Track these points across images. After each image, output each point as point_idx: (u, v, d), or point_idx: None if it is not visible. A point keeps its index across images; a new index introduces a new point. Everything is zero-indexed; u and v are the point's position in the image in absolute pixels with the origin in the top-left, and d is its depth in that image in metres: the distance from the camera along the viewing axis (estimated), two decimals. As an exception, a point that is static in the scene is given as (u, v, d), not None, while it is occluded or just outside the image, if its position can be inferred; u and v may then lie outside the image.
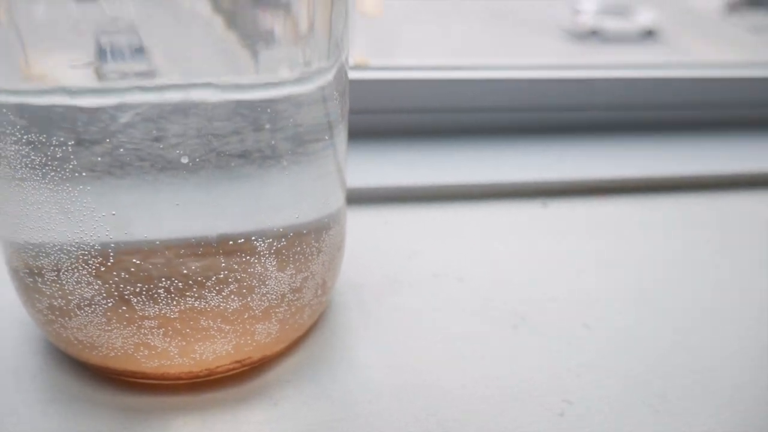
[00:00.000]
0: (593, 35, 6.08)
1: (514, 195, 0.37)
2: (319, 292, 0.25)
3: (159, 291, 0.20)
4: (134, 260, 0.20)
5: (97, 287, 0.20)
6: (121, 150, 0.18)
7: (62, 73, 0.18)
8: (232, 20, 0.18)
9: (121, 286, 0.20)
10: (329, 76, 0.22)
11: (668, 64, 0.44)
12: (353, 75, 0.39)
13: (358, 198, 0.36)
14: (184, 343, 0.22)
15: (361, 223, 0.34)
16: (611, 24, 6.11)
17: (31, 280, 0.21)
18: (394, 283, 0.30)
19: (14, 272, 0.22)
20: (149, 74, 0.18)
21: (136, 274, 0.20)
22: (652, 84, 0.42)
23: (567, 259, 0.33)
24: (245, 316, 0.22)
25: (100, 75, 0.17)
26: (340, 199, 0.25)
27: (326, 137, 0.22)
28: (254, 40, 0.19)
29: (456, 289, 0.30)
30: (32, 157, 0.19)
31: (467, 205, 0.36)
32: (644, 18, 6.19)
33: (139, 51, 0.17)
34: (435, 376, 0.25)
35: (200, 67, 0.18)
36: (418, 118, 0.40)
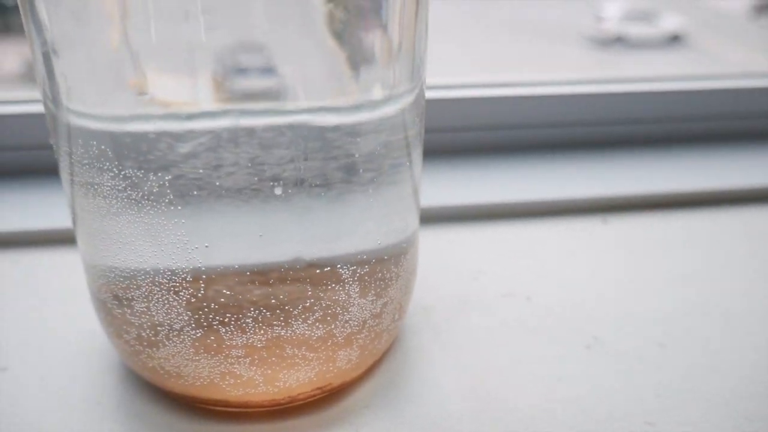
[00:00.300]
0: (617, 42, 6.05)
1: (573, 211, 0.37)
2: (396, 316, 0.25)
3: (247, 320, 0.21)
4: (224, 290, 0.20)
5: (186, 318, 0.21)
6: (217, 183, 0.19)
7: (170, 96, 0.18)
8: (342, 40, 0.18)
9: (211, 316, 0.21)
10: (411, 98, 0.22)
11: (722, 75, 0.43)
12: (435, 93, 0.39)
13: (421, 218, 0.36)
14: (269, 371, 0.22)
15: (425, 243, 0.34)
16: (635, 30, 6.08)
17: (120, 311, 0.22)
18: (463, 304, 0.30)
19: (101, 303, 0.23)
20: (256, 97, 0.18)
21: (226, 303, 0.20)
22: (705, 95, 0.42)
23: (634, 276, 0.32)
24: (328, 343, 0.22)
25: (206, 100, 0.18)
26: (415, 222, 0.25)
27: (406, 161, 0.23)
28: (358, 60, 0.19)
29: (525, 309, 0.30)
30: (128, 192, 0.19)
31: (527, 223, 0.36)
32: (669, 23, 6.14)
33: (251, 74, 0.18)
34: (513, 399, 0.25)
35: (313, 90, 0.19)
36: (476, 136, 0.40)
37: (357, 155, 0.20)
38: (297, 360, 0.22)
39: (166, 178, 0.18)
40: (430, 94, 0.39)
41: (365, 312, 0.23)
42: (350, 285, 0.22)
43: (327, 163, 0.20)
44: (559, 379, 0.26)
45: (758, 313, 0.30)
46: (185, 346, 0.21)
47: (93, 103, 0.18)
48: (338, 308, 0.22)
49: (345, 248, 0.21)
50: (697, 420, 0.24)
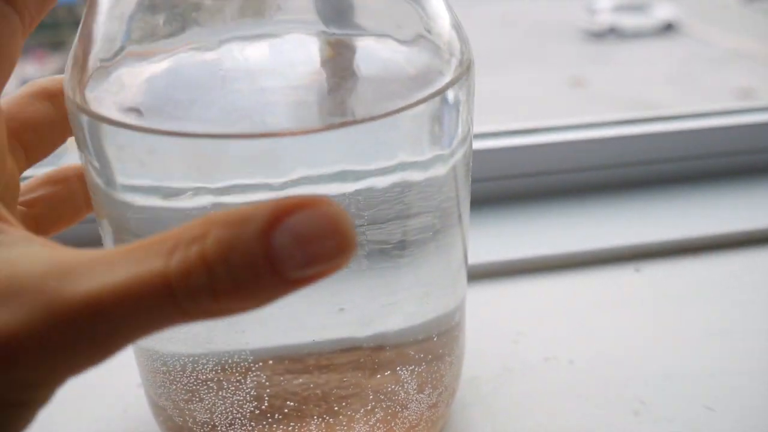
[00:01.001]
0: (611, 32, 6.06)
1: (601, 262, 0.37)
2: (450, 400, 0.25)
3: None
4: (289, 402, 0.20)
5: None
6: None
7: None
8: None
9: (275, 426, 0.21)
10: (464, 149, 0.22)
11: (745, 109, 0.43)
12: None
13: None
14: None
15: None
16: (628, 20, 6.08)
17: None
18: (506, 372, 0.30)
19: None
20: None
21: (291, 413, 0.21)
22: (730, 131, 0.42)
23: (675, 330, 0.32)
24: None
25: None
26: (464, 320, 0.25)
27: (457, 221, 0.22)
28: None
29: (569, 373, 0.30)
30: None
31: (558, 276, 0.36)
32: (662, 12, 6.15)
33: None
34: (569, 476, 0.25)
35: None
36: (497, 186, 0.40)
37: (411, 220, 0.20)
38: None
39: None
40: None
41: (423, 405, 0.23)
42: (408, 383, 0.22)
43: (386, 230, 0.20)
44: (611, 452, 0.26)
45: (801, 366, 0.30)
46: None
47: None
48: (398, 407, 0.22)
49: (405, 353, 0.21)
50: (754, 492, 0.24)
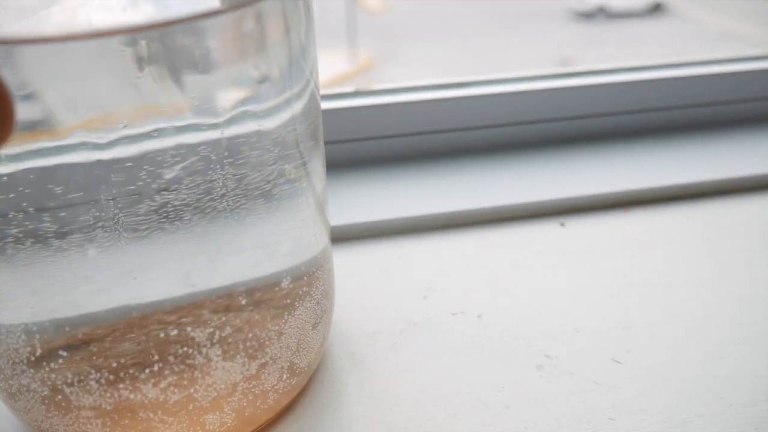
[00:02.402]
0: (600, 12, 6.03)
1: (530, 216, 0.36)
2: (286, 374, 0.23)
3: (90, 382, 0.19)
4: (61, 352, 0.19)
5: (31, 375, 0.19)
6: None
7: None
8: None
9: (53, 375, 0.19)
10: (304, 100, 0.20)
11: (663, 65, 0.42)
12: (350, 103, 0.37)
13: (367, 232, 0.34)
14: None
15: (372, 260, 0.33)
16: (617, 1, 6.05)
17: None
18: (411, 326, 0.29)
19: None
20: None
21: (66, 364, 0.19)
22: (653, 85, 0.40)
23: (591, 284, 0.31)
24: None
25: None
26: (318, 245, 0.23)
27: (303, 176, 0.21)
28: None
29: (476, 329, 0.29)
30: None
31: (482, 231, 0.35)
32: (651, -8, 6.11)
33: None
34: (457, 431, 0.24)
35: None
36: (417, 142, 0.38)
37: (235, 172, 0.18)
38: (154, 423, 0.20)
39: None
40: (368, 101, 0.37)
41: (276, 347, 0.21)
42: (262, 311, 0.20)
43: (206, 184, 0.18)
44: (507, 407, 0.25)
45: (721, 319, 0.29)
46: (36, 404, 0.20)
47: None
48: (197, 371, 0.20)
49: (224, 279, 0.20)
50: (650, 445, 0.23)
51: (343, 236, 0.34)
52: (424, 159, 0.39)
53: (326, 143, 0.37)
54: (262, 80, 0.18)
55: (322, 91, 0.38)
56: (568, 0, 6.29)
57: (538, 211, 0.36)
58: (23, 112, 0.15)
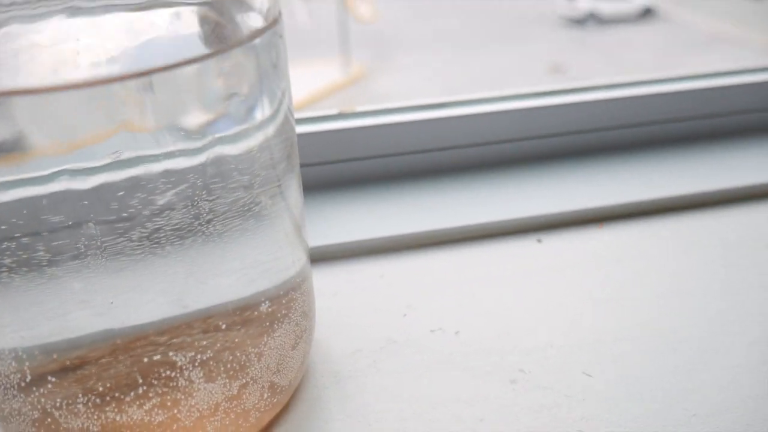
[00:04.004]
0: (591, 18, 6.07)
1: (508, 233, 0.37)
2: (267, 393, 0.24)
3: (78, 406, 0.20)
4: (50, 377, 0.20)
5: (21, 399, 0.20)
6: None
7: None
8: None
9: (42, 399, 0.20)
10: (277, 122, 0.21)
11: (636, 82, 0.43)
12: (332, 125, 0.38)
13: (349, 252, 0.35)
14: None
15: (354, 280, 0.34)
16: (607, 6, 6.09)
17: None
18: (391, 344, 0.30)
19: None
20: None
21: (55, 389, 0.20)
22: (626, 103, 0.42)
23: (566, 300, 0.32)
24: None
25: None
26: (297, 265, 0.24)
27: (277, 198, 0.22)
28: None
29: (453, 345, 0.30)
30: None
31: (461, 249, 0.36)
32: (641, -3, 6.15)
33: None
34: (435, 445, 0.25)
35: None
36: (395, 162, 0.39)
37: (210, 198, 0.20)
38: None
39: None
40: (344, 123, 0.38)
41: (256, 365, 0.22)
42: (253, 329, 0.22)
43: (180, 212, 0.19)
44: (481, 420, 0.26)
45: (691, 332, 0.30)
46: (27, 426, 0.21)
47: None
48: (179, 394, 0.21)
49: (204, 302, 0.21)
50: (617, 456, 0.24)
51: (325, 256, 0.35)
52: (402, 179, 0.40)
53: (309, 165, 0.38)
54: (232, 104, 0.20)
55: (306, 114, 0.40)
56: (559, 6, 6.33)
57: (516, 228, 0.37)
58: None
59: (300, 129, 0.38)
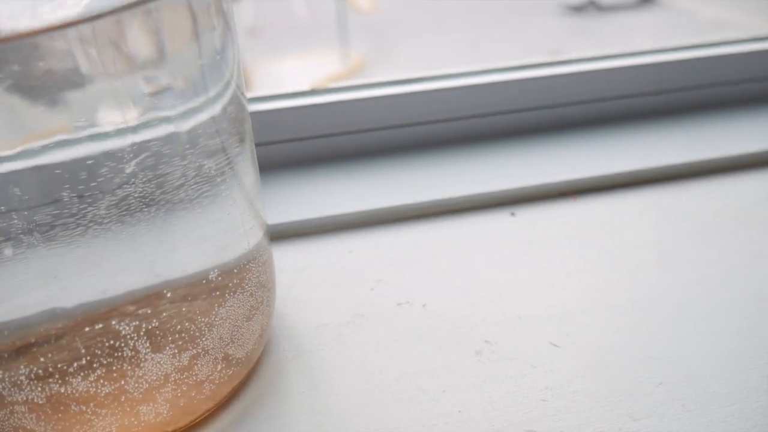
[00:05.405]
0: (590, 5, 6.03)
1: (482, 207, 0.36)
2: (221, 365, 0.24)
3: (21, 377, 0.20)
4: None
5: None
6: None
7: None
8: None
9: None
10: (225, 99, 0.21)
11: (609, 55, 0.42)
12: (309, 101, 0.38)
13: (318, 228, 0.35)
14: (59, 428, 0.21)
15: (323, 255, 0.33)
16: (607, -8, 6.06)
17: None
18: (358, 318, 0.29)
19: None
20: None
21: None
22: (599, 76, 0.41)
23: (536, 272, 0.32)
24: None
25: None
26: (249, 242, 0.24)
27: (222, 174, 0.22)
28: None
29: (420, 318, 0.29)
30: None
31: (434, 223, 0.36)
32: (640, -17, 6.12)
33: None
34: (396, 417, 0.25)
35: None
36: (365, 138, 0.39)
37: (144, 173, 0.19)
38: (87, 416, 0.21)
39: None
40: (312, 100, 0.38)
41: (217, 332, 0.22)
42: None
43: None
44: (443, 392, 0.26)
45: (656, 303, 0.29)
46: None
47: None
48: (125, 364, 0.21)
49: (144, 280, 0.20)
50: (579, 423, 0.24)
51: (295, 232, 0.35)
52: (374, 155, 0.40)
53: (278, 142, 0.38)
54: (165, 89, 0.19)
55: (278, 91, 0.39)
56: (558, -6, 6.30)
57: (490, 202, 0.37)
58: None
59: (272, 105, 0.38)
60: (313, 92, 0.39)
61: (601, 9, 6.01)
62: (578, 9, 6.07)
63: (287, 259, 0.33)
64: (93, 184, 0.18)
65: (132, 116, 0.18)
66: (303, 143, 0.38)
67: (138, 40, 0.18)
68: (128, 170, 0.19)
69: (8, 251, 0.18)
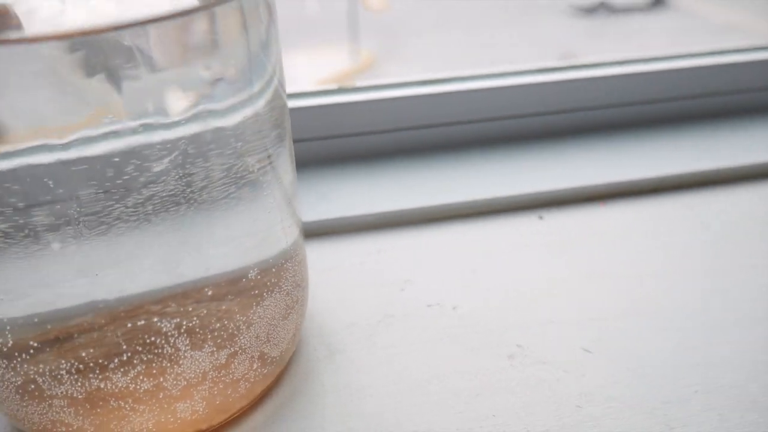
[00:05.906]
0: (601, 7, 6.02)
1: (510, 210, 0.36)
2: (257, 363, 0.23)
3: (62, 372, 0.20)
4: (31, 342, 0.19)
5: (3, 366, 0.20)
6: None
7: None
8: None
9: (25, 366, 0.20)
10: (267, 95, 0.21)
11: (637, 59, 0.42)
12: (331, 100, 0.38)
13: (348, 227, 0.35)
14: (96, 422, 0.21)
15: (353, 254, 0.33)
16: (619, -5, 6.04)
17: None
18: (386, 318, 0.29)
19: None
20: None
21: (36, 355, 0.20)
22: (627, 80, 0.41)
23: (566, 276, 0.31)
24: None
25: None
26: (285, 240, 0.24)
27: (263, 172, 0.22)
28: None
29: (451, 319, 0.29)
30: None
31: (462, 225, 0.35)
32: (652, -15, 6.09)
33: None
34: (428, 420, 0.25)
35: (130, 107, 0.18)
36: (397, 138, 0.39)
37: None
38: (126, 411, 0.21)
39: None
40: (343, 98, 0.38)
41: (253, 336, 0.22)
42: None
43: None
44: (477, 395, 0.26)
45: (689, 308, 0.29)
46: (10, 393, 0.21)
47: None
48: (165, 361, 0.21)
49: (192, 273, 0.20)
50: (616, 431, 0.24)
51: (324, 231, 0.35)
52: (403, 155, 0.39)
53: (308, 140, 0.38)
54: (218, 79, 0.19)
55: (307, 88, 0.39)
56: (570, -4, 6.28)
57: (517, 205, 0.36)
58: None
59: (300, 103, 0.38)
60: (342, 90, 0.39)
61: (612, 11, 5.99)
62: (589, 11, 6.06)
63: (317, 258, 0.33)
64: (142, 178, 0.18)
65: (187, 104, 0.18)
66: (334, 141, 0.38)
67: (200, 28, 0.18)
68: (179, 163, 0.19)
69: (56, 244, 0.18)
